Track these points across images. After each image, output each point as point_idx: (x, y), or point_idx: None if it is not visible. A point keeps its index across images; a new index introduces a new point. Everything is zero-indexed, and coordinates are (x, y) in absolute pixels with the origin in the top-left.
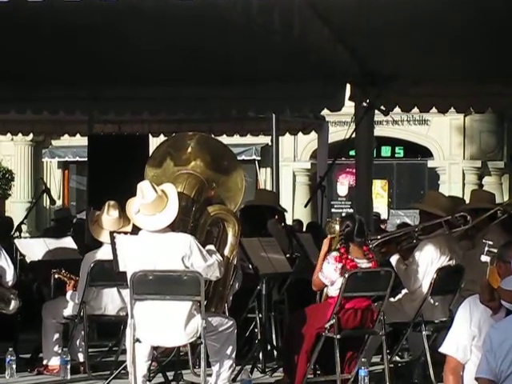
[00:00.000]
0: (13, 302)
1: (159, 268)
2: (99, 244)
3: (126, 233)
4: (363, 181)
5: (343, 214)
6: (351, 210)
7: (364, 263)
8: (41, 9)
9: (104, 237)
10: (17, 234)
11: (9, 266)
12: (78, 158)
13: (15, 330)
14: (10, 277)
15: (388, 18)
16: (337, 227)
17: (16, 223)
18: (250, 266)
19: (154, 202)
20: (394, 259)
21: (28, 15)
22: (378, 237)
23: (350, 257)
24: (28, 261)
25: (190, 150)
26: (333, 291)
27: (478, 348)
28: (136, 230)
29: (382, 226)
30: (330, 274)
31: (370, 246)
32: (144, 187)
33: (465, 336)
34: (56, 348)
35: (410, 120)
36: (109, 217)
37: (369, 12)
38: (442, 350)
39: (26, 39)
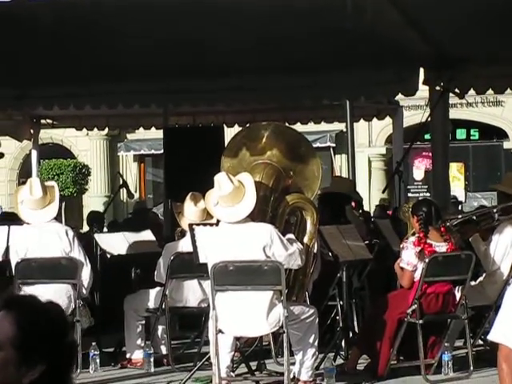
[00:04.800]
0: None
1: (240, 258)
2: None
3: (211, 225)
4: (440, 164)
5: (420, 198)
6: (428, 194)
7: (442, 246)
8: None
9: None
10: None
11: (86, 264)
12: (153, 151)
13: (97, 324)
14: (85, 275)
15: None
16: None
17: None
18: (330, 254)
19: (231, 193)
20: (473, 240)
21: (106, 11)
22: (459, 216)
23: (428, 241)
24: (108, 255)
25: (265, 139)
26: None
27: None
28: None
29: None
30: (411, 259)
31: (449, 224)
32: (221, 179)
33: None
34: (139, 341)
35: (484, 102)
36: (195, 208)
37: None
38: (490, 337)
39: (98, 34)
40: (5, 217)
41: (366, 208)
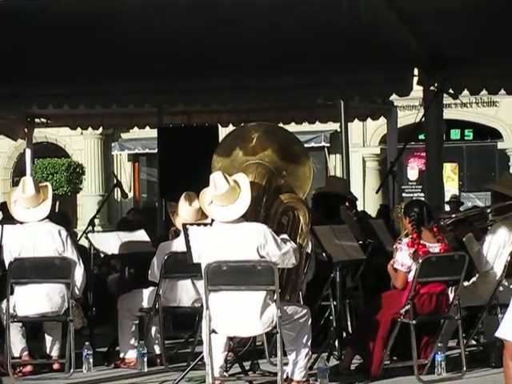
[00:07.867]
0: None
1: (234, 258)
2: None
3: (205, 224)
4: (434, 165)
5: (412, 199)
6: (422, 195)
7: (436, 247)
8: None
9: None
10: (90, 228)
11: (79, 264)
12: (147, 150)
13: (91, 324)
14: (79, 275)
15: (454, 0)
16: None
17: (88, 217)
18: (324, 254)
19: (226, 192)
20: (467, 240)
21: (101, 11)
22: (453, 215)
23: (422, 242)
24: (102, 255)
25: (257, 140)
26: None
27: None
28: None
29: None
30: (405, 260)
31: (442, 223)
32: (216, 178)
33: None
34: (132, 341)
35: (479, 102)
36: (189, 207)
37: None
38: (498, 334)
39: (94, 36)
40: None
41: (359, 207)
